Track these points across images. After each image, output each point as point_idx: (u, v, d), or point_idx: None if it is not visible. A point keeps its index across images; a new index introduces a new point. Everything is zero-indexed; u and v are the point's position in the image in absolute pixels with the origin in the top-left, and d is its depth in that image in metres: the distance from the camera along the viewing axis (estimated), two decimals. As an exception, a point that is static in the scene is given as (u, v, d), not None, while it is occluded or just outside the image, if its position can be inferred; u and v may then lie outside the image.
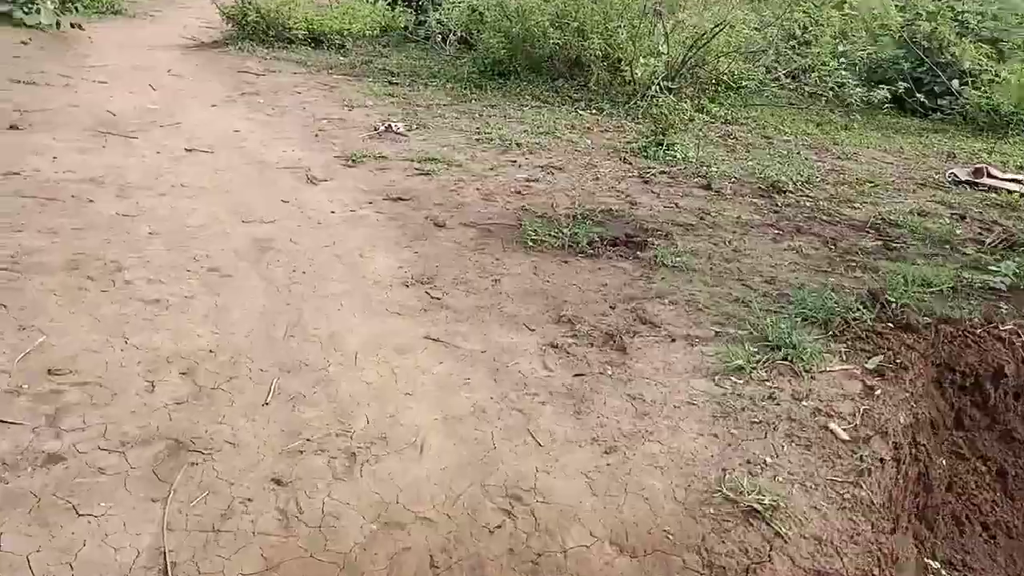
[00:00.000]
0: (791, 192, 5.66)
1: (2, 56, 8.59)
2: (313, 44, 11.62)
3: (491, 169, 5.72)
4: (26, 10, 10.63)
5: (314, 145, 6.23)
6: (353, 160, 5.76)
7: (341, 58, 11.11)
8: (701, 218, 4.84)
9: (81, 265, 3.67)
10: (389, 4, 13.50)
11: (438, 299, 3.55)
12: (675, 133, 6.48)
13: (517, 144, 6.44)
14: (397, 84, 9.10)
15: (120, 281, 3.56)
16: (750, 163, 6.58)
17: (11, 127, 5.78)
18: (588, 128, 7.42)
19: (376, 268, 3.89)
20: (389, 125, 6.78)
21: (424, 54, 11.68)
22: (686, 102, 8.67)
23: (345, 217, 4.66)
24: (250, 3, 11.54)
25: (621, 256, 4.13)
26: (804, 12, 9.76)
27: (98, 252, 3.82)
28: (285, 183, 5.23)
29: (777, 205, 5.31)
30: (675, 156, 6.22)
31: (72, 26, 11.66)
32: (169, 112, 6.98)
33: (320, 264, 3.92)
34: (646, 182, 5.60)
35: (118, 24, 14.30)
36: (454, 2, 11.07)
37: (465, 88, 9.01)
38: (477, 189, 5.23)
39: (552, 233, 4.40)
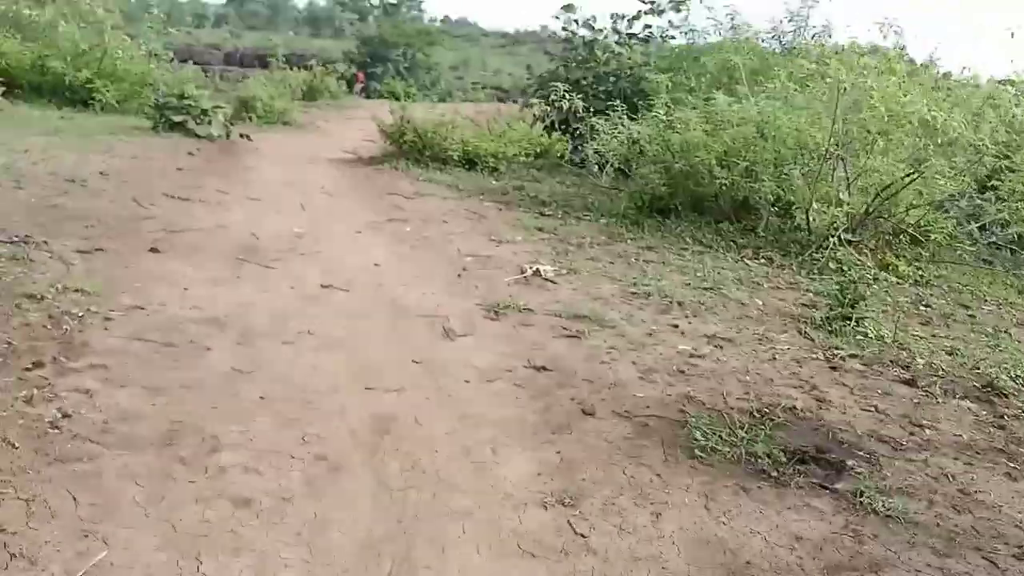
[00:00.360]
0: (1013, 395, 4.63)
1: (167, 167, 8.78)
2: (467, 165, 11.48)
3: (649, 335, 5.00)
4: (199, 121, 11.00)
5: (456, 287, 5.75)
6: (496, 312, 5.21)
7: (493, 182, 10.88)
8: (910, 432, 3.91)
9: (176, 440, 3.19)
10: (545, 129, 13.34)
11: (583, 536, 2.81)
12: (865, 304, 5.58)
13: (679, 303, 5.72)
14: (548, 216, 8.65)
15: (214, 467, 3.04)
16: (953, 343, 5.57)
17: (151, 250, 5.60)
18: (758, 284, 6.62)
19: (509, 474, 3.21)
20: (537, 269, 6.23)
21: (579, 181, 11.31)
22: (867, 255, 7.76)
23: (480, 389, 4.05)
24: (408, 123, 11.56)
25: (814, 485, 3.27)
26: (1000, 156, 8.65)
27: (199, 422, 3.34)
28: (419, 336, 4.70)
29: (1000, 415, 4.30)
30: (866, 334, 5.31)
31: (241, 136, 12.03)
32: (313, 237, 6.74)
33: (445, 459, 3.28)
34: (834, 368, 4.72)
35: (285, 135, 14.83)
36: (613, 132, 10.71)
37: (620, 225, 8.44)
38: (633, 363, 4.52)
39: (724, 438, 3.60)
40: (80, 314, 4.15)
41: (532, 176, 11.53)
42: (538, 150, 12.36)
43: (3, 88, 12.30)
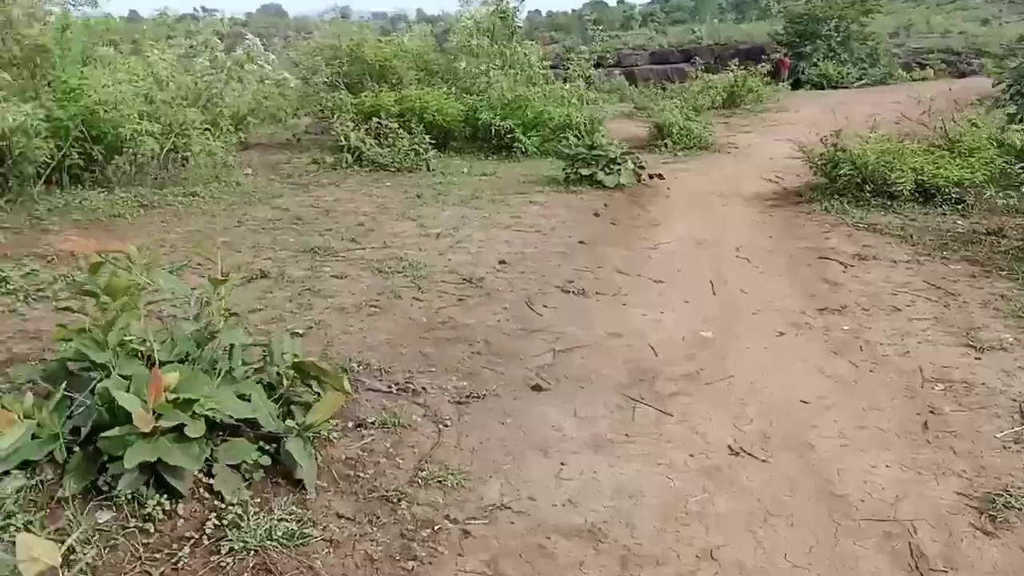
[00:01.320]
0: None
1: (570, 242, 8.17)
2: (921, 199, 9.28)
3: None
4: (607, 171, 10.39)
5: (920, 452, 4.10)
6: (992, 516, 3.51)
7: (958, 221, 8.59)
8: None
9: None
10: (1028, 136, 10.42)
11: None
12: None
13: None
14: (1052, 289, 6.35)
15: None
16: None
17: (534, 387, 4.86)
18: None
19: None
20: (1051, 417, 4.30)
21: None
22: None
23: None
24: (843, 152, 9.71)
25: None
26: None
27: None
28: (866, 569, 3.25)
29: None
30: None
31: (651, 177, 11.22)
32: (722, 347, 5.52)
33: None
34: None
35: (700, 164, 13.75)
36: None
37: None
38: None
39: None
40: (436, 526, 3.46)
41: (1005, 209, 8.92)
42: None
43: (433, 144, 12.99)
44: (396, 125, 12.68)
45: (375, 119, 12.93)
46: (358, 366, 4.83)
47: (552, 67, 35.71)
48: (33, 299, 5.69)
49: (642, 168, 11.01)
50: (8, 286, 5.86)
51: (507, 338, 5.58)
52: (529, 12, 76.12)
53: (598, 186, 10.49)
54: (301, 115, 17.93)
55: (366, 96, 14.74)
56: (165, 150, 9.91)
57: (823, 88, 30.09)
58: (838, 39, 32.06)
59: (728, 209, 10.12)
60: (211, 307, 3.52)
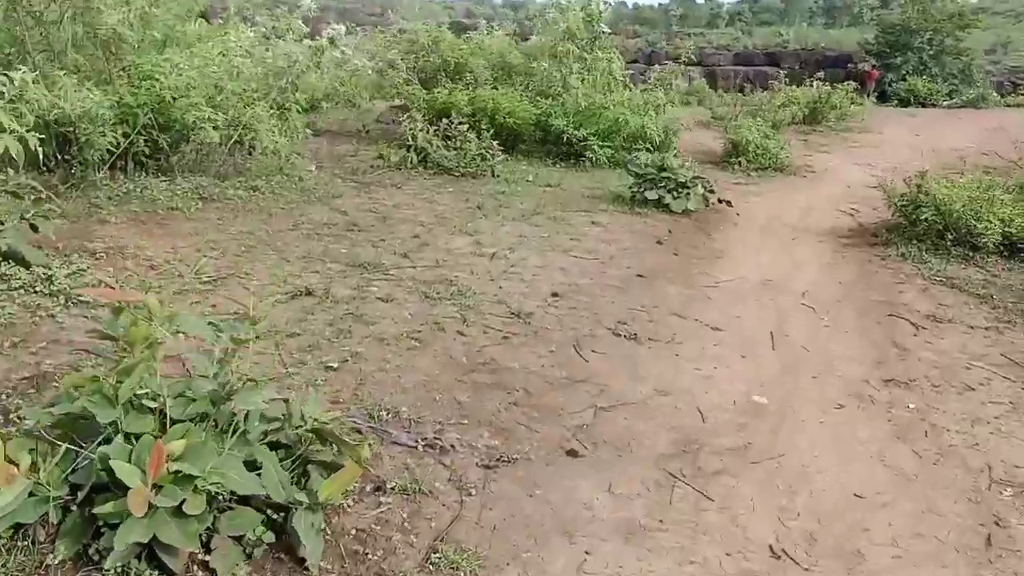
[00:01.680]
0: None
1: (628, 275, 7.87)
2: (1006, 253, 8.72)
3: None
4: (676, 195, 10.03)
5: None
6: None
7: (1047, 282, 8.01)
8: None
9: None
10: None
11: None
12: None
13: None
14: None
15: None
16: None
17: (569, 452, 4.61)
18: None
19: None
20: None
21: None
22: None
23: None
24: (927, 195, 9.17)
25: None
26: None
27: None
28: None
29: None
30: None
31: (720, 202, 10.81)
32: (775, 419, 5.18)
33: None
34: None
35: (774, 188, 13.25)
36: None
37: None
38: None
39: None
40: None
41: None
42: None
43: (502, 147, 12.74)
44: (466, 127, 12.45)
45: (445, 119, 12.75)
46: (387, 414, 4.65)
47: (633, 62, 35.19)
48: (73, 303, 5.65)
49: (711, 192, 10.60)
50: (53, 286, 5.84)
51: (549, 387, 5.33)
52: (615, 3, 75.08)
53: (664, 209, 10.13)
54: (374, 103, 17.89)
55: (439, 92, 14.55)
56: (232, 140, 9.87)
57: (910, 104, 28.90)
58: (930, 52, 30.67)
59: (798, 244, 9.66)
60: (231, 365, 3.35)
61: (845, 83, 23.05)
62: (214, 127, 9.33)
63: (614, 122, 13.99)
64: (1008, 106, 27.09)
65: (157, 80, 9.32)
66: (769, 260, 8.87)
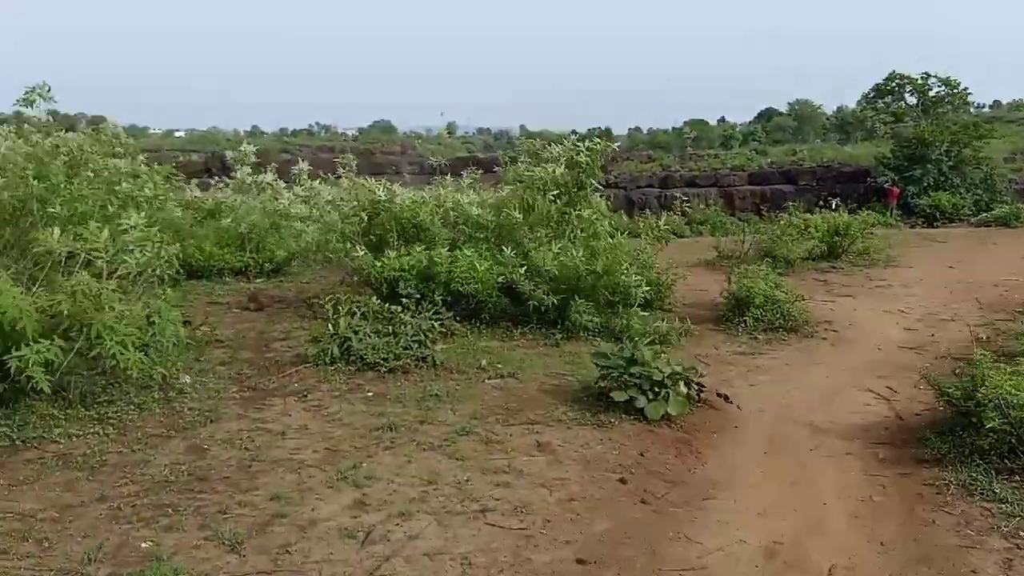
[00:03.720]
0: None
1: (565, 557, 5.31)
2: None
3: None
4: (651, 396, 7.67)
5: None
6: None
7: None
8: None
9: None
10: None
11: None
12: None
13: None
14: None
15: None
16: None
17: None
18: None
19: None
20: None
21: None
22: None
23: None
24: (984, 387, 6.71)
25: None
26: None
27: None
28: None
29: None
30: None
31: (718, 396, 8.45)
32: None
33: None
34: None
35: (786, 359, 10.79)
36: None
37: None
38: None
39: None
40: None
41: None
42: None
43: (459, 318, 10.50)
44: (400, 308, 10.30)
45: (385, 292, 10.58)
46: None
47: (647, 186, 33.56)
48: None
49: (701, 388, 8.18)
50: None
51: None
52: (630, 130, 74.78)
53: (637, 416, 7.70)
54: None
55: (386, 258, 12.46)
56: (69, 355, 7.64)
57: (935, 220, 26.87)
58: (950, 164, 28.87)
59: (818, 465, 7.11)
60: None
61: (867, 208, 20.93)
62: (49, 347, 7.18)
63: (596, 279, 11.77)
64: (1045, 222, 24.81)
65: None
66: (777, 503, 6.33)
